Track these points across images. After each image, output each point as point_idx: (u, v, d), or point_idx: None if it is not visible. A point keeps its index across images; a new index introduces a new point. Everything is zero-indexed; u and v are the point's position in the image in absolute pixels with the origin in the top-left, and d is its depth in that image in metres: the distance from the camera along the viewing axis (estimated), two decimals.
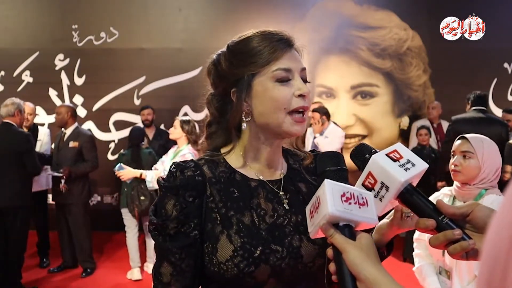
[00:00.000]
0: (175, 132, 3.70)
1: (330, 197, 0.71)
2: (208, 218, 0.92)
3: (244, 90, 0.94)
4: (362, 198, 0.74)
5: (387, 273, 0.67)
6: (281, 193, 0.98)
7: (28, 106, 4.48)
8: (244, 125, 0.96)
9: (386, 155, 0.78)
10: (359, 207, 0.73)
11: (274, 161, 1.01)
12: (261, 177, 0.99)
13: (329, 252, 0.73)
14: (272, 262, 0.89)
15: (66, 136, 4.36)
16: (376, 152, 0.80)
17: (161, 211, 0.91)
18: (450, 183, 2.15)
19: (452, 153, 1.97)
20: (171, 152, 3.91)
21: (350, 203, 0.72)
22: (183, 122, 3.67)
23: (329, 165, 0.80)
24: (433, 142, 5.03)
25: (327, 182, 0.73)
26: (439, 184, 4.34)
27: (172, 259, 0.90)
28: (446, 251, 0.74)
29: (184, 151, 3.60)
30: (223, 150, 1.01)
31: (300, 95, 0.92)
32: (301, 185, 1.02)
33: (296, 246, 0.93)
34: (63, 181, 4.17)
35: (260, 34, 0.96)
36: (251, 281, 0.88)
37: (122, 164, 3.93)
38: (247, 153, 0.99)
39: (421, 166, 0.77)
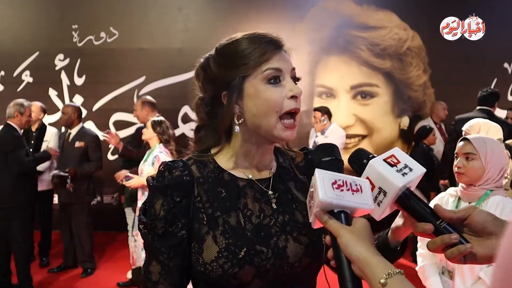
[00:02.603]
0: (147, 132, 3.72)
1: (321, 185, 0.73)
2: (195, 218, 0.93)
3: (235, 93, 0.93)
4: (356, 185, 0.75)
5: (378, 253, 0.68)
6: (270, 192, 0.98)
7: (34, 105, 4.50)
8: (237, 128, 0.96)
9: (384, 160, 0.78)
10: (352, 194, 0.74)
11: (264, 161, 1.01)
12: (250, 176, 0.99)
13: (327, 239, 0.74)
14: (256, 263, 0.89)
15: (71, 136, 4.37)
16: (374, 157, 0.81)
17: (150, 210, 0.93)
18: (454, 183, 2.14)
19: (455, 155, 1.96)
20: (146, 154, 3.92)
21: (342, 190, 0.73)
22: (154, 123, 3.69)
23: (323, 157, 0.81)
24: (439, 142, 5.00)
25: (317, 171, 0.75)
26: (442, 182, 4.37)
27: (160, 258, 0.91)
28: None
29: (155, 152, 3.60)
30: (213, 151, 1.01)
31: (292, 97, 0.92)
32: (290, 184, 1.02)
33: (282, 247, 0.93)
34: (69, 180, 4.17)
35: (249, 36, 0.96)
36: (236, 282, 0.89)
37: (129, 173, 3.89)
38: (238, 155, 0.99)
39: (419, 170, 0.78)
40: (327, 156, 0.81)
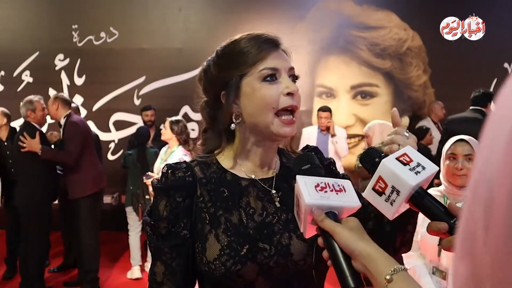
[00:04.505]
0: (166, 132, 3.71)
1: (305, 190, 0.74)
2: (198, 218, 0.94)
3: (232, 92, 0.94)
4: (339, 185, 0.76)
5: (381, 249, 0.69)
6: (273, 191, 0.99)
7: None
8: (232, 126, 0.97)
9: (396, 158, 0.78)
10: (336, 194, 0.75)
11: (266, 161, 1.02)
12: (252, 176, 1.00)
13: (320, 240, 0.74)
14: (259, 260, 0.89)
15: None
16: (386, 156, 0.80)
17: (155, 211, 0.94)
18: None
19: (451, 157, 1.95)
20: (162, 152, 3.90)
21: (326, 191, 0.74)
22: (172, 123, 3.67)
23: (302, 166, 0.83)
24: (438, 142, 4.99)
25: (298, 178, 0.76)
26: (436, 181, 4.35)
27: (164, 258, 0.92)
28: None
29: (177, 153, 3.58)
30: (216, 152, 1.02)
31: (289, 94, 0.92)
32: (293, 182, 1.03)
33: (285, 244, 0.93)
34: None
35: (247, 36, 0.97)
36: (240, 280, 0.89)
37: (149, 172, 3.87)
38: (239, 154, 1.00)
39: (432, 169, 0.78)
40: (306, 165, 0.82)
